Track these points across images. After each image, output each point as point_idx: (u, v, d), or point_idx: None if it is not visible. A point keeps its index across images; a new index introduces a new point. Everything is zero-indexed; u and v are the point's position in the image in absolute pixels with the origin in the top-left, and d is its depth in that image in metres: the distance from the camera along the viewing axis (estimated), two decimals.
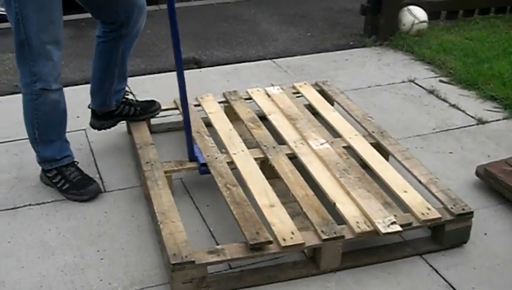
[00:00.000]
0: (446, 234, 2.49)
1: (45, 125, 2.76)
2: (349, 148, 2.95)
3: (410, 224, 2.42)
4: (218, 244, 2.47)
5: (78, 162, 2.92)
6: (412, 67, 4.30)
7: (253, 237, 2.29)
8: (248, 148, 2.92)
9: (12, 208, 2.78)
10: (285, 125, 3.13)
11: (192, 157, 2.84)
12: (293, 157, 2.86)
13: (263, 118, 3.23)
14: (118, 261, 2.46)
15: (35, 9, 2.48)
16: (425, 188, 2.65)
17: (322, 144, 2.92)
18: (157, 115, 3.26)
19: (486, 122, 3.53)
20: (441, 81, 4.08)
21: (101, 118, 3.14)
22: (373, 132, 3.06)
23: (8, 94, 3.90)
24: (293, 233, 2.33)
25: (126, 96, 3.16)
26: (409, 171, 2.76)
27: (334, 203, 2.51)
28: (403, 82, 4.07)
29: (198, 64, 4.43)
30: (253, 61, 4.47)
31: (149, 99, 3.27)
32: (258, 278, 2.35)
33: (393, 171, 2.73)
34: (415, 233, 2.54)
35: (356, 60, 4.46)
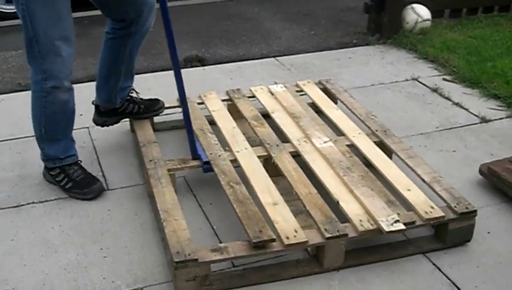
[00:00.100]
0: (449, 233, 2.48)
1: (52, 124, 2.76)
2: (352, 147, 2.94)
3: (413, 222, 2.42)
4: (221, 243, 2.47)
5: (81, 161, 2.92)
6: (416, 66, 4.30)
7: (256, 235, 2.29)
8: (251, 146, 2.91)
9: (15, 206, 2.78)
10: (289, 123, 3.12)
11: (195, 156, 2.84)
12: (297, 156, 2.86)
13: (266, 116, 3.23)
14: (121, 259, 2.46)
15: (42, 5, 2.48)
16: (429, 186, 2.64)
17: (325, 142, 2.92)
18: (160, 114, 3.26)
19: (490, 120, 3.53)
20: (444, 79, 4.08)
21: (105, 114, 3.14)
22: (376, 130, 3.06)
23: (11, 92, 3.90)
24: (296, 231, 2.32)
25: (130, 94, 3.16)
26: (412, 169, 2.75)
27: (338, 202, 2.51)
28: (406, 80, 4.07)
29: (201, 62, 4.43)
30: (257, 59, 4.46)
31: (153, 97, 3.27)
32: (261, 276, 2.35)
33: (397, 169, 2.73)
34: (418, 231, 2.54)
35: (359, 58, 4.45)
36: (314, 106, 3.37)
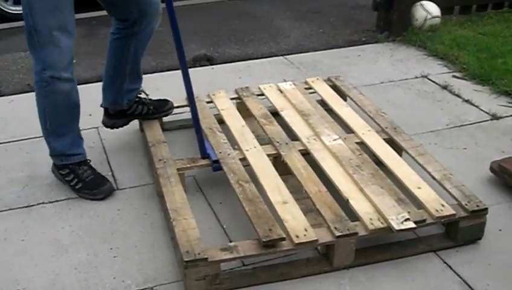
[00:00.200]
0: (460, 231, 2.47)
1: (55, 116, 2.76)
2: (362, 144, 2.93)
3: (424, 221, 2.40)
4: (231, 242, 2.47)
5: (90, 160, 2.93)
6: (425, 63, 4.27)
7: (266, 234, 2.28)
8: (260, 144, 2.91)
9: (25, 206, 2.79)
10: (298, 121, 3.12)
11: (204, 155, 2.84)
12: (306, 154, 2.85)
13: (275, 114, 3.22)
14: (131, 258, 2.47)
15: None
16: (439, 184, 2.63)
17: (334, 140, 2.91)
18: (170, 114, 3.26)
19: (501, 117, 3.50)
20: (454, 76, 4.06)
21: (114, 116, 3.14)
22: (386, 128, 3.04)
23: (20, 93, 3.91)
24: (306, 230, 2.32)
25: (139, 96, 3.16)
26: (422, 167, 2.74)
27: (347, 200, 2.50)
28: (416, 78, 4.05)
29: (210, 61, 4.43)
30: (266, 57, 4.46)
31: (162, 98, 3.27)
32: (271, 275, 2.35)
33: (407, 167, 2.72)
34: (428, 230, 2.52)
35: (369, 55, 4.44)
36: (324, 104, 3.36)
